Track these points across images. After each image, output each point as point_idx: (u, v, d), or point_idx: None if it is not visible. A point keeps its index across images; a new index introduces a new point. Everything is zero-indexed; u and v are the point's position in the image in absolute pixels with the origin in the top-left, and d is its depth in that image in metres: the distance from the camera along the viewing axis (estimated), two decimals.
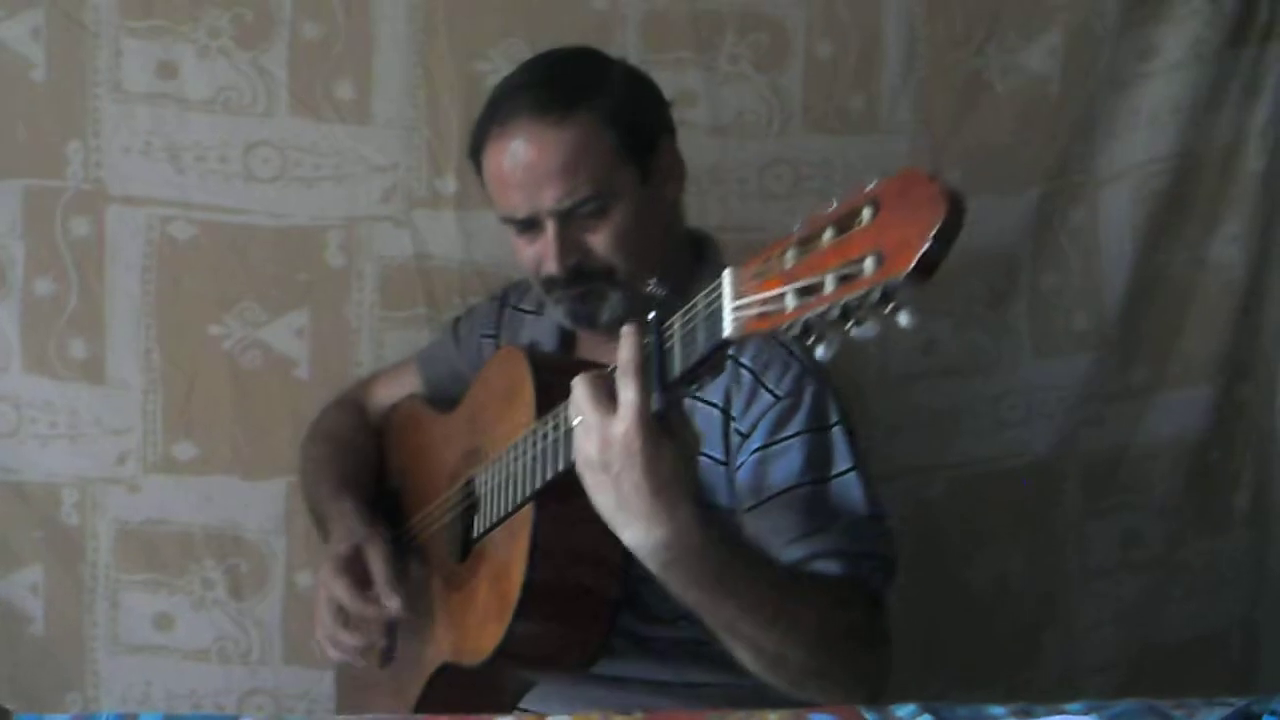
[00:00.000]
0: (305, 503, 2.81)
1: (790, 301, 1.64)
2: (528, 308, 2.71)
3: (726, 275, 1.75)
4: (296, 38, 2.97)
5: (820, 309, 1.60)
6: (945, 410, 3.20)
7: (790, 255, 1.66)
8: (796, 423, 2.30)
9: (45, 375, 3.01)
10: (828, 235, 1.62)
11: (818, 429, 2.30)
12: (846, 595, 2.20)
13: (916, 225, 1.52)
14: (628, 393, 1.89)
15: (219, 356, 3.03)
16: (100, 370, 3.01)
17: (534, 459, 2.15)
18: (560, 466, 2.07)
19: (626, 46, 2.97)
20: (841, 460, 2.29)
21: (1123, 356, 3.26)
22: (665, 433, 1.90)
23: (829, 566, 2.22)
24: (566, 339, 2.59)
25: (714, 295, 1.78)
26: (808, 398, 2.31)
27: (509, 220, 2.43)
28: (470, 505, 2.40)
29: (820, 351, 1.62)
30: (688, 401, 2.16)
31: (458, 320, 2.84)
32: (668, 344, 1.88)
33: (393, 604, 2.39)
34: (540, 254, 2.41)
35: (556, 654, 2.29)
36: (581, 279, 2.40)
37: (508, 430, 2.28)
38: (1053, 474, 3.29)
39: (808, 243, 1.65)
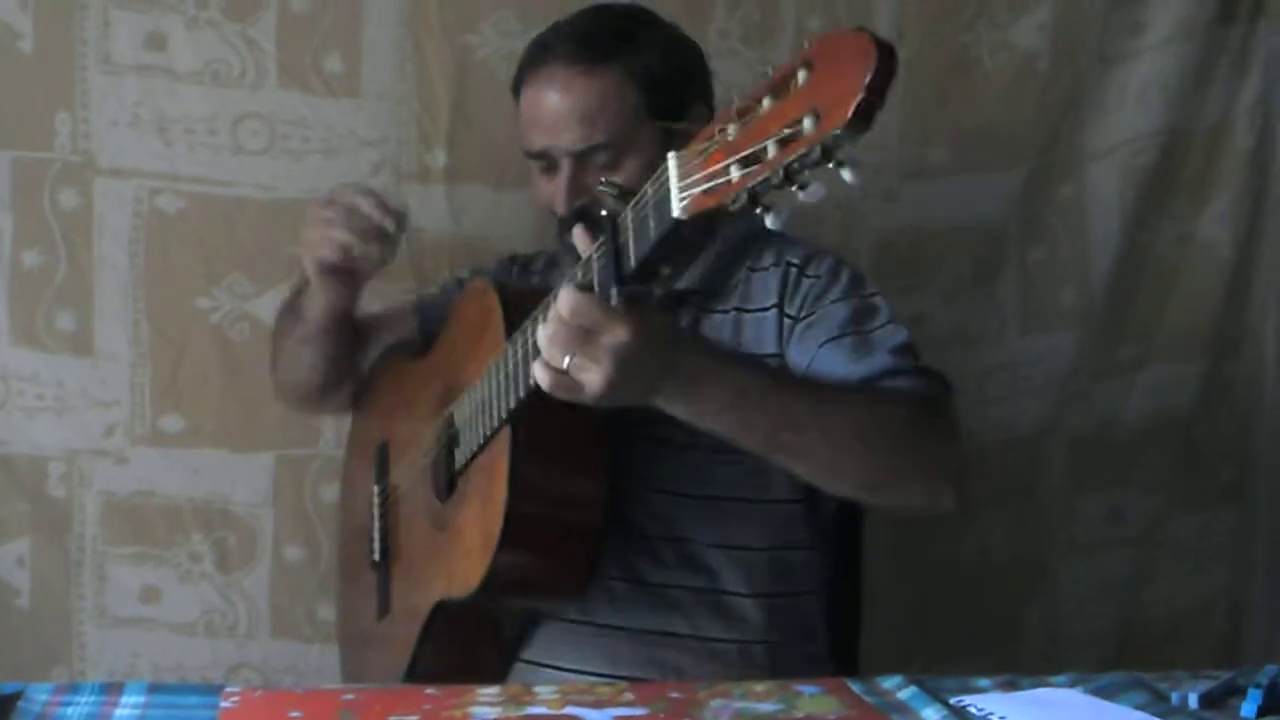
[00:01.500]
0: (282, 369, 2.78)
1: (735, 173, 1.66)
2: (536, 268, 2.73)
3: (671, 158, 1.77)
4: (285, 10, 2.97)
5: (764, 175, 1.61)
6: None
7: (731, 129, 1.67)
8: (837, 291, 2.38)
9: (33, 347, 3.01)
10: (766, 103, 1.64)
11: (859, 295, 2.38)
12: (900, 398, 2.24)
13: (850, 77, 1.53)
14: (570, 298, 1.90)
15: (207, 329, 3.03)
16: (88, 342, 3.01)
17: (505, 379, 2.17)
18: (532, 381, 2.04)
19: None
20: (882, 316, 2.36)
21: (1110, 333, 3.26)
22: (628, 316, 1.90)
23: (878, 382, 2.26)
24: None
25: (660, 180, 1.79)
26: (845, 275, 2.41)
27: (530, 155, 2.50)
28: (450, 440, 2.41)
29: (770, 220, 1.65)
30: (749, 315, 2.36)
31: (460, 279, 2.82)
32: (621, 238, 1.89)
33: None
34: (553, 194, 2.47)
35: (546, 580, 2.31)
36: (588, 221, 2.42)
37: (481, 359, 2.30)
38: (1039, 449, 3.29)
39: (746, 113, 1.66)
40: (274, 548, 3.09)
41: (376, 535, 2.63)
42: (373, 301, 2.80)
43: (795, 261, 2.42)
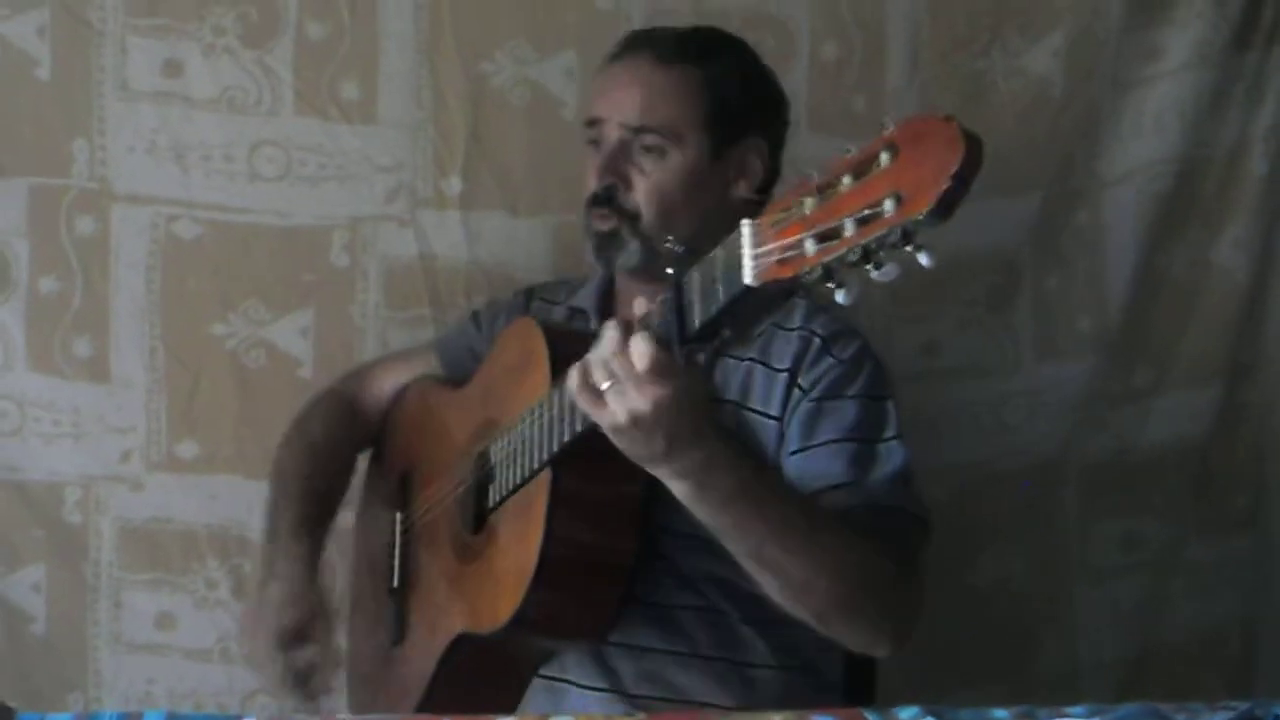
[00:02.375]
0: (270, 489, 2.78)
1: (810, 247, 1.67)
2: (556, 299, 2.72)
3: (745, 226, 1.77)
4: (302, 37, 2.98)
5: (840, 252, 1.63)
6: (947, 412, 3.19)
7: (809, 203, 1.69)
8: (856, 386, 2.38)
9: (49, 374, 3.01)
10: (845, 181, 1.65)
11: (874, 397, 2.39)
12: (879, 538, 2.25)
13: (935, 165, 1.56)
14: (645, 346, 1.91)
15: (223, 356, 3.04)
16: (104, 369, 3.02)
17: (550, 422, 2.18)
18: (578, 427, 2.09)
19: None
20: (890, 428, 2.37)
21: (1125, 359, 3.25)
22: (682, 375, 1.93)
23: (865, 514, 2.28)
24: (604, 314, 2.60)
25: (733, 246, 1.80)
26: (869, 367, 2.40)
27: (585, 125, 2.54)
28: (484, 477, 2.41)
29: (841, 296, 1.66)
30: (762, 369, 2.36)
31: (476, 312, 2.82)
32: (686, 299, 1.90)
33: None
34: (592, 168, 2.51)
35: (573, 621, 2.32)
36: (609, 206, 2.47)
37: (522, 399, 2.31)
38: (1055, 476, 3.28)
39: (826, 189, 1.67)
40: None
41: (397, 562, 2.63)
42: (397, 333, 2.87)
43: (821, 334, 2.41)
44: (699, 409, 1.99)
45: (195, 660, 3.09)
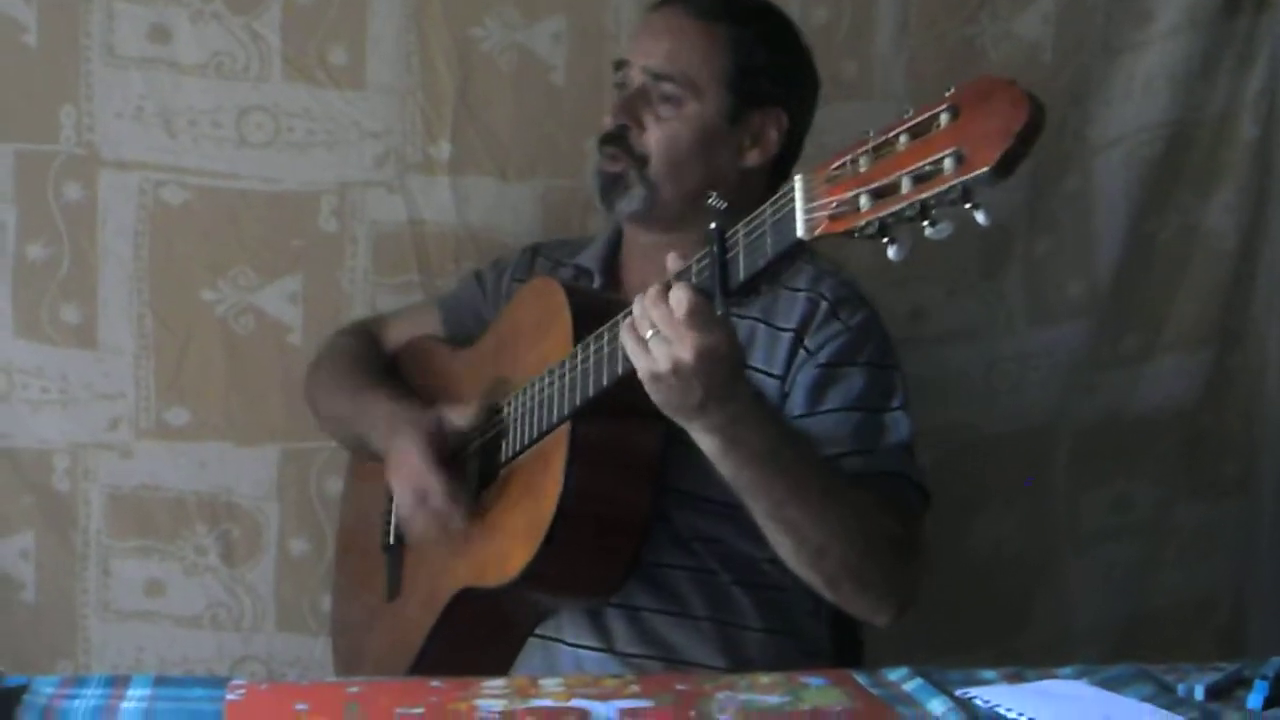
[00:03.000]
0: (324, 419, 2.81)
1: (865, 202, 1.70)
2: (562, 258, 2.73)
3: (798, 180, 1.80)
4: (290, 2, 2.97)
5: (897, 207, 1.66)
6: (938, 378, 3.19)
7: (864, 160, 1.72)
8: (865, 354, 2.41)
9: (37, 340, 3.01)
10: (903, 140, 1.68)
11: (882, 365, 2.43)
12: (890, 507, 2.29)
13: (999, 124, 1.59)
14: (685, 294, 1.94)
15: (212, 322, 3.03)
16: (92, 335, 3.01)
17: (574, 379, 2.20)
18: (605, 383, 2.12)
19: (620, 12, 2.99)
20: (897, 398, 2.41)
21: (1115, 324, 3.26)
22: (723, 326, 1.96)
23: (873, 481, 2.31)
24: (609, 273, 2.64)
25: (784, 200, 1.82)
26: (876, 336, 2.44)
27: (615, 67, 2.59)
28: (496, 432, 2.42)
29: (893, 252, 1.70)
30: (765, 328, 2.38)
31: (479, 272, 2.84)
32: (731, 252, 1.92)
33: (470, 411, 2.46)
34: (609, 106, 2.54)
35: (583, 579, 2.34)
36: (616, 145, 2.50)
37: (539, 358, 2.33)
38: (1046, 441, 3.29)
39: (883, 147, 1.71)
40: (279, 541, 3.09)
41: (394, 518, 2.61)
42: (386, 299, 2.89)
43: (830, 298, 2.43)
44: (736, 363, 2.02)
45: (185, 627, 3.09)
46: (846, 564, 2.22)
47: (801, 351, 2.40)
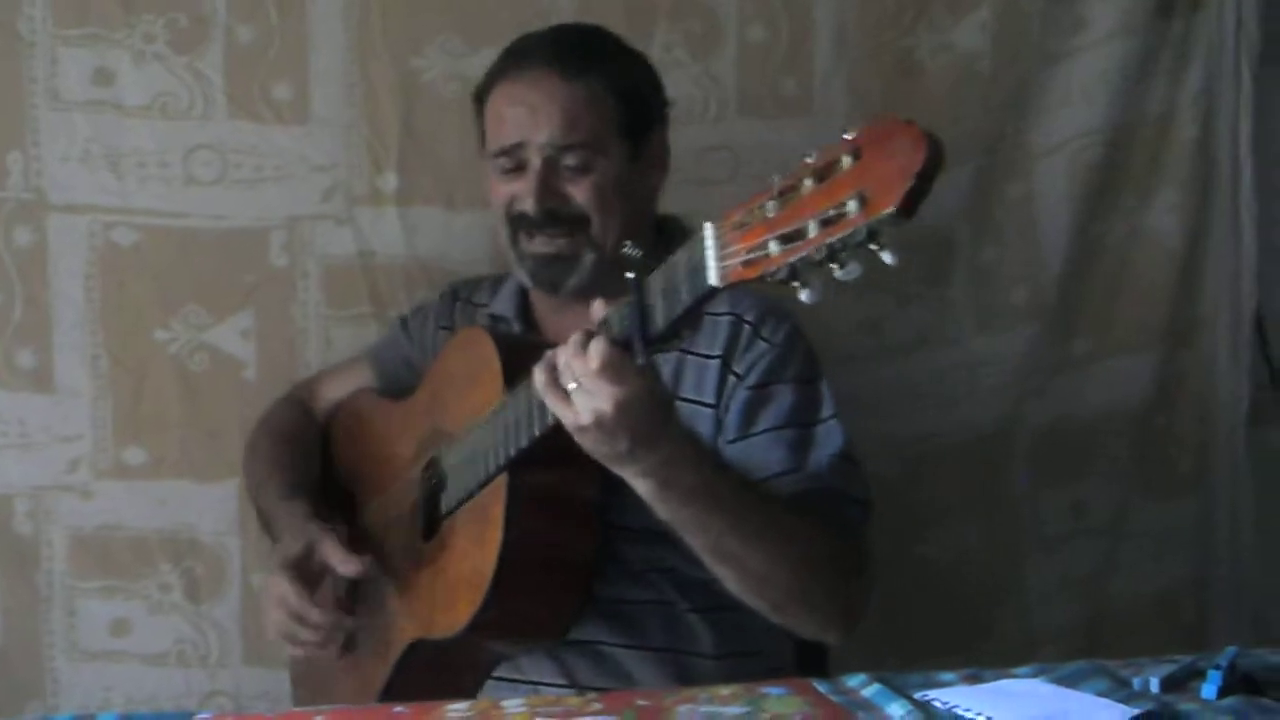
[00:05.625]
0: (251, 500, 2.80)
1: (774, 248, 1.70)
2: (480, 300, 2.74)
3: (707, 228, 1.81)
4: (232, 41, 2.98)
5: (805, 252, 1.66)
6: (891, 388, 3.21)
7: (771, 206, 1.72)
8: (790, 369, 2.42)
9: None
10: (807, 184, 1.69)
11: (807, 379, 2.43)
12: (828, 525, 2.29)
13: (899, 164, 1.59)
14: (600, 346, 1.94)
15: (166, 360, 3.04)
16: (48, 378, 3.02)
17: (507, 428, 2.20)
18: (537, 431, 2.12)
19: None
20: (825, 408, 2.41)
21: (1064, 327, 3.29)
22: (641, 375, 1.97)
23: (815, 503, 2.31)
24: (526, 322, 2.64)
25: (695, 249, 1.83)
26: (800, 349, 2.44)
27: (498, 154, 2.51)
28: (435, 485, 2.43)
29: (805, 295, 1.70)
30: (693, 358, 2.38)
31: (404, 318, 2.86)
32: (648, 301, 1.93)
33: (353, 568, 2.42)
34: (518, 192, 2.49)
35: (533, 622, 2.34)
36: (556, 223, 2.48)
37: (472, 407, 2.33)
38: (1001, 447, 3.31)
39: (787, 193, 1.71)
40: (242, 575, 3.09)
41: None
42: (338, 331, 2.96)
43: (749, 320, 2.44)
44: (660, 408, 2.02)
45: (151, 665, 3.09)
46: (790, 590, 2.23)
47: (731, 377, 2.41)
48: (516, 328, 2.62)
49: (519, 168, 2.49)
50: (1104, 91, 3.21)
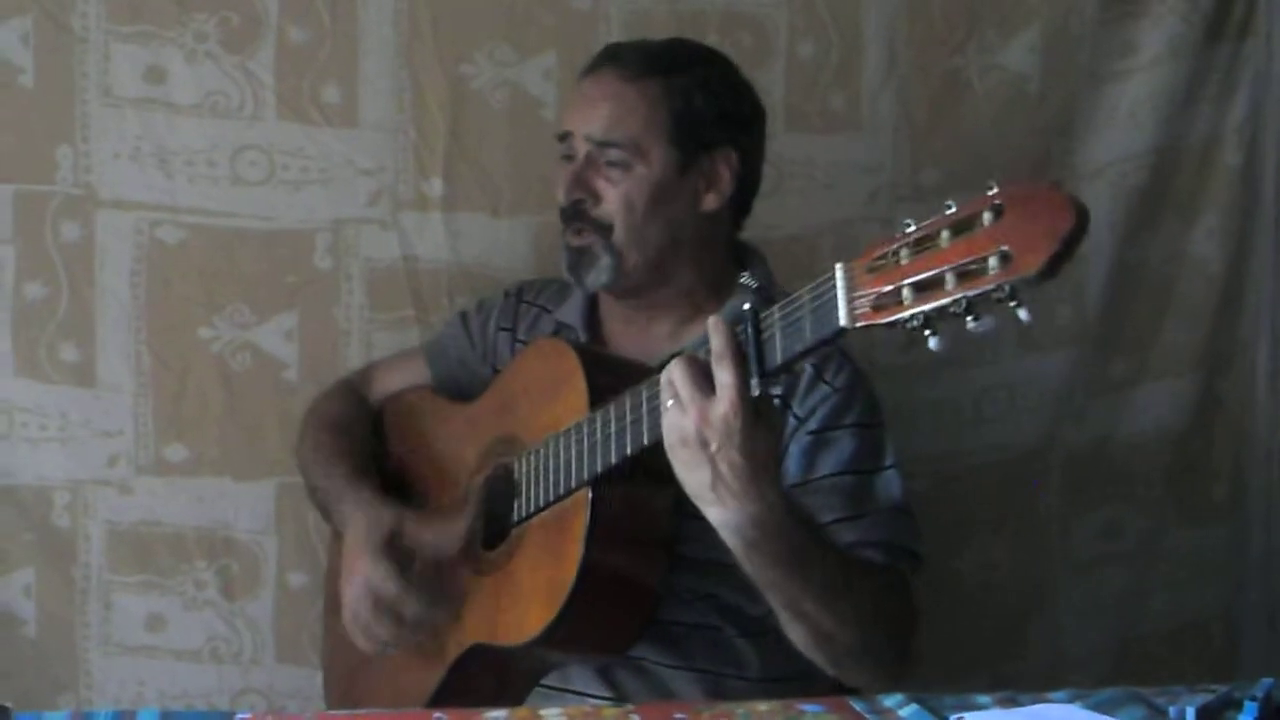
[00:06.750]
0: (309, 490, 2.80)
1: (908, 295, 1.72)
2: (545, 304, 2.75)
3: (839, 268, 1.81)
4: (283, 42, 2.99)
5: (943, 302, 1.69)
6: (929, 405, 3.22)
7: (905, 253, 1.74)
8: (852, 415, 2.42)
9: (36, 379, 3.02)
10: (945, 236, 1.70)
11: (869, 425, 2.43)
12: (889, 581, 2.31)
13: (1044, 226, 1.62)
14: (726, 376, 1.94)
15: (209, 359, 3.05)
16: (91, 373, 3.03)
17: (592, 446, 2.21)
18: (629, 451, 2.13)
19: None
20: (887, 457, 2.42)
21: (1103, 350, 3.28)
22: (761, 416, 1.96)
23: (873, 554, 2.32)
24: (592, 329, 2.65)
25: (824, 288, 1.84)
26: (861, 394, 2.45)
27: (560, 140, 2.58)
28: (503, 491, 2.43)
29: (934, 343, 1.73)
30: None
31: (465, 314, 2.85)
32: (766, 334, 1.93)
33: (456, 541, 2.46)
34: (561, 180, 2.54)
35: (598, 639, 2.34)
36: (579, 220, 2.52)
37: (551, 419, 2.34)
38: (1036, 467, 3.30)
39: (923, 243, 1.73)
40: (277, 574, 3.11)
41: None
42: (381, 335, 2.96)
43: (812, 361, 2.40)
44: (774, 460, 2.03)
45: (185, 661, 3.10)
46: (851, 647, 2.22)
47: (792, 419, 2.41)
48: (583, 337, 2.62)
49: (570, 157, 2.55)
50: (1150, 115, 3.21)
